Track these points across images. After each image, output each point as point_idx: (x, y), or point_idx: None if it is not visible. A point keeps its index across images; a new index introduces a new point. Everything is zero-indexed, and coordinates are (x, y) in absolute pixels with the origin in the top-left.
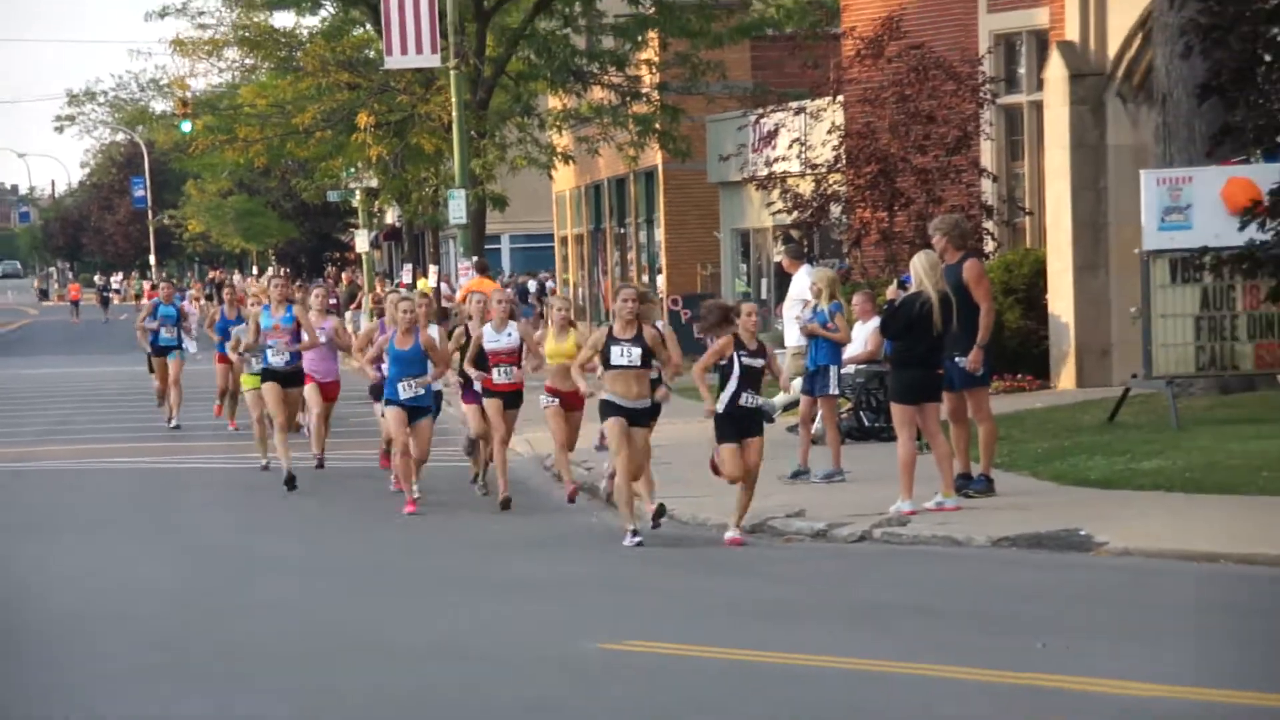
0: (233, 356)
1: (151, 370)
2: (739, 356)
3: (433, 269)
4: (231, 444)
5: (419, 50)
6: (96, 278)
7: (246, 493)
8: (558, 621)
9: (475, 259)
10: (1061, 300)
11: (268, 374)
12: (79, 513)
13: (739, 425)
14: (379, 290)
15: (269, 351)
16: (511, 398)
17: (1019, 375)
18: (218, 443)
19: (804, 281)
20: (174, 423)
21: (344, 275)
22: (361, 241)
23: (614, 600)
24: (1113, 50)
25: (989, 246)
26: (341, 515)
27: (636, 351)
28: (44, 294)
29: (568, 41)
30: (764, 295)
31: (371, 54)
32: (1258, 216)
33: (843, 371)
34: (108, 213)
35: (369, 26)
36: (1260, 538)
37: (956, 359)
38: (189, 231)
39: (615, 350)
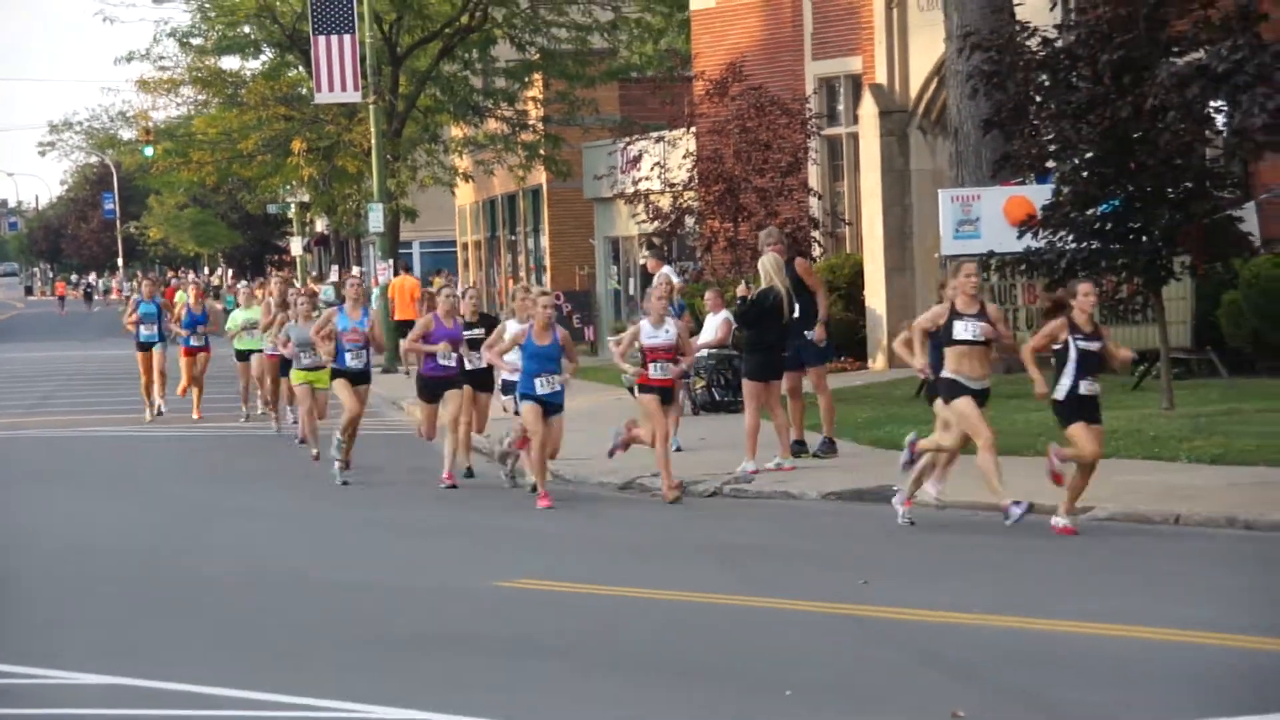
0: (284, 351)
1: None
2: (1074, 340)
3: (356, 269)
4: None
5: (344, 88)
6: (73, 277)
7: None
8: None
9: (390, 261)
10: (876, 296)
11: (339, 373)
12: (69, 470)
13: (1084, 409)
14: (310, 286)
15: (346, 355)
16: (668, 393)
17: (842, 358)
18: (183, 417)
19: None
20: (156, 409)
21: (279, 274)
22: (296, 246)
23: (514, 544)
24: (914, 91)
25: (816, 252)
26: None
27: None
28: (29, 290)
29: (467, 81)
30: (632, 291)
31: (304, 91)
32: (1032, 228)
33: (696, 356)
34: (82, 222)
35: (301, 68)
36: (1035, 491)
37: (806, 334)
38: (151, 238)
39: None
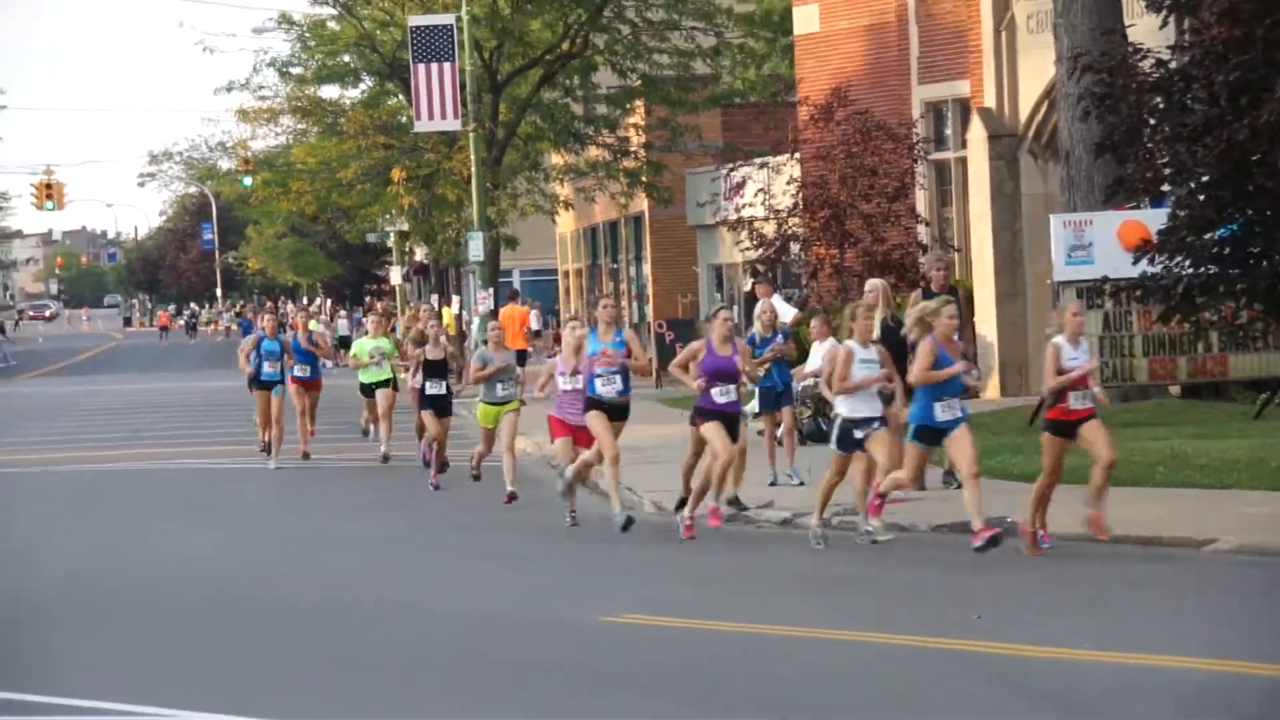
0: (470, 379)
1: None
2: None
3: (455, 299)
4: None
5: (444, 116)
6: (170, 308)
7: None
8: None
9: (490, 290)
10: (986, 323)
11: (594, 403)
12: (160, 500)
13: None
14: (412, 313)
15: (597, 381)
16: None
17: None
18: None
19: (777, 305)
20: (273, 465)
21: (379, 304)
22: (395, 276)
23: (618, 577)
24: (1024, 115)
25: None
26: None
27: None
28: (127, 321)
29: (568, 109)
30: (736, 320)
31: (404, 119)
32: (1148, 253)
33: (803, 384)
34: (181, 253)
35: (401, 96)
36: (1160, 523)
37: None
38: (249, 268)
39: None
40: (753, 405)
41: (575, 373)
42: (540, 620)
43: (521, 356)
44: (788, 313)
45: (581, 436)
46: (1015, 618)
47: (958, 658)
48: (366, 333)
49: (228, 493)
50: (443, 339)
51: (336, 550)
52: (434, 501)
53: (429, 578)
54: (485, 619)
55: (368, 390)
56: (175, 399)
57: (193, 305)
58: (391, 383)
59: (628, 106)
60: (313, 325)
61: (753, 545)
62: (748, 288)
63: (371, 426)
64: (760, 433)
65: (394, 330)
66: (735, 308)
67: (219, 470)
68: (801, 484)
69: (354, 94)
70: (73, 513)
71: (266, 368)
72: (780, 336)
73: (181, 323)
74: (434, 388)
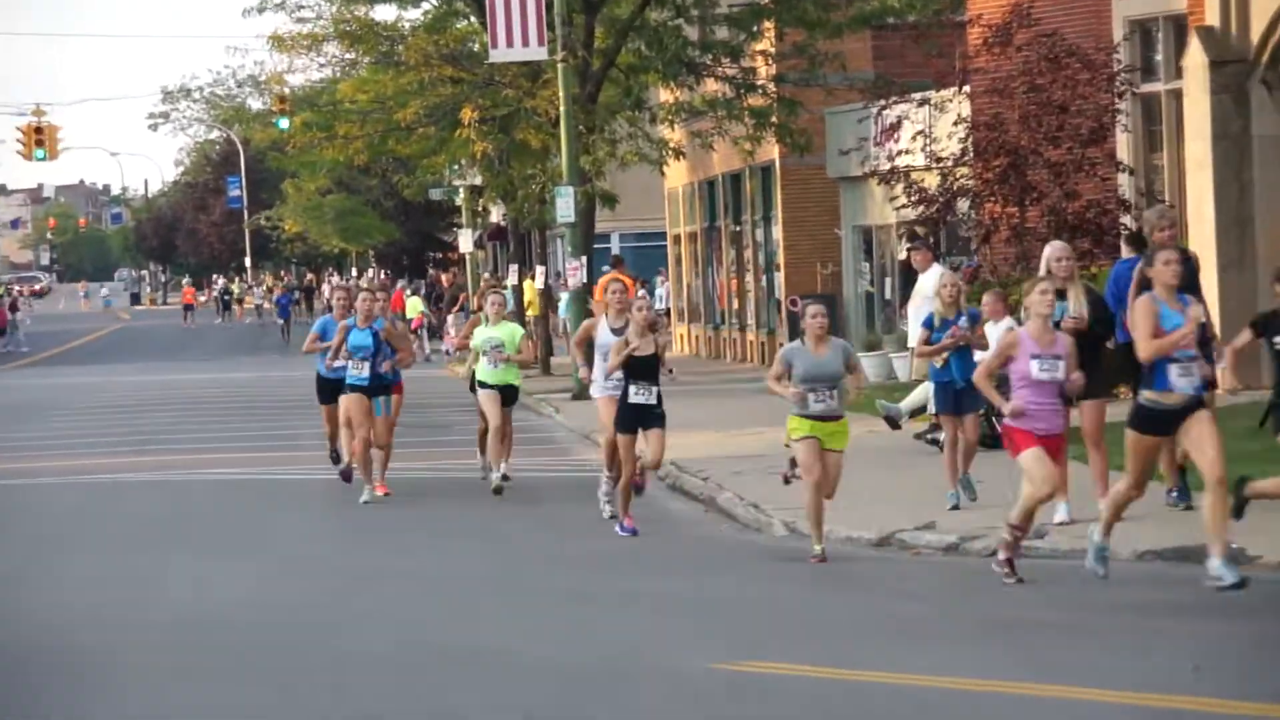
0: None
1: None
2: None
3: (539, 269)
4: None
5: (525, 43)
6: (186, 280)
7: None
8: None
9: (583, 260)
10: (1205, 299)
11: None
12: (187, 521)
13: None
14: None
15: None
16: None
17: None
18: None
19: (934, 280)
20: (366, 496)
21: (445, 276)
22: (465, 241)
23: (734, 617)
24: (1256, 35)
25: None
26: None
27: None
28: (135, 298)
29: (680, 32)
30: (888, 295)
31: (476, 47)
32: None
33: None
34: (202, 213)
35: (473, 19)
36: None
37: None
38: (286, 232)
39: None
40: (913, 401)
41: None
42: (642, 670)
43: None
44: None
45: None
46: (1234, 667)
47: None
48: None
49: (280, 512)
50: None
51: (404, 587)
52: (516, 530)
53: (511, 621)
54: (581, 670)
55: (485, 385)
56: (202, 392)
57: (220, 279)
58: (515, 391)
59: (755, 29)
60: (411, 304)
61: (913, 577)
62: (903, 255)
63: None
64: (930, 440)
65: (461, 309)
66: (888, 280)
67: (259, 482)
68: (955, 507)
69: (414, 15)
70: (71, 538)
71: (352, 369)
72: (965, 319)
73: (208, 299)
74: (640, 394)
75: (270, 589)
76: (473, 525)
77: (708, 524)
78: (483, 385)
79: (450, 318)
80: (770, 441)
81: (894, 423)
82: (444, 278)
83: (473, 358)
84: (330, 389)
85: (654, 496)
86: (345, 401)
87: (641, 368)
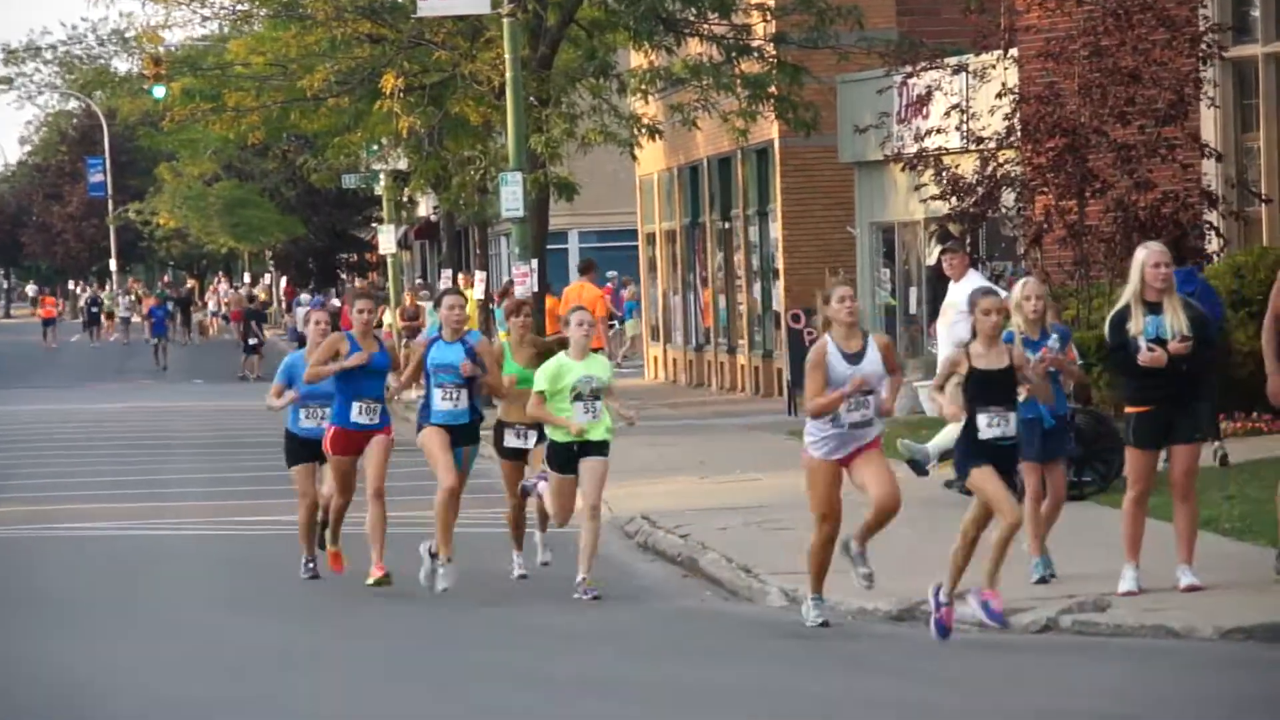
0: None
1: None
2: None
3: (479, 275)
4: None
5: None
6: (30, 288)
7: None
8: None
9: (533, 263)
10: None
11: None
12: (49, 588)
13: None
14: (407, 303)
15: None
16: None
17: (1254, 414)
18: None
19: (968, 291)
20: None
21: (357, 284)
22: (386, 240)
23: (730, 710)
24: None
25: (1212, 245)
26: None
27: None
28: None
29: None
30: (912, 309)
31: None
32: None
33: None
34: (55, 203)
35: None
36: None
37: None
38: (160, 228)
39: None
40: (943, 441)
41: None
42: None
43: None
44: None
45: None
46: None
47: None
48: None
49: (165, 578)
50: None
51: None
52: (451, 594)
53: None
54: None
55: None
56: (54, 427)
57: (87, 287)
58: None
59: None
60: (387, 319)
61: (942, 657)
62: (932, 259)
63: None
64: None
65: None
66: (914, 290)
67: (138, 538)
68: (1043, 579)
69: None
70: None
71: (440, 400)
72: (1054, 338)
73: (81, 311)
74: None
75: (166, 671)
76: (402, 586)
77: (687, 591)
78: (556, 449)
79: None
80: (768, 489)
81: (919, 467)
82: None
83: (533, 403)
84: (309, 449)
85: (619, 557)
86: (429, 441)
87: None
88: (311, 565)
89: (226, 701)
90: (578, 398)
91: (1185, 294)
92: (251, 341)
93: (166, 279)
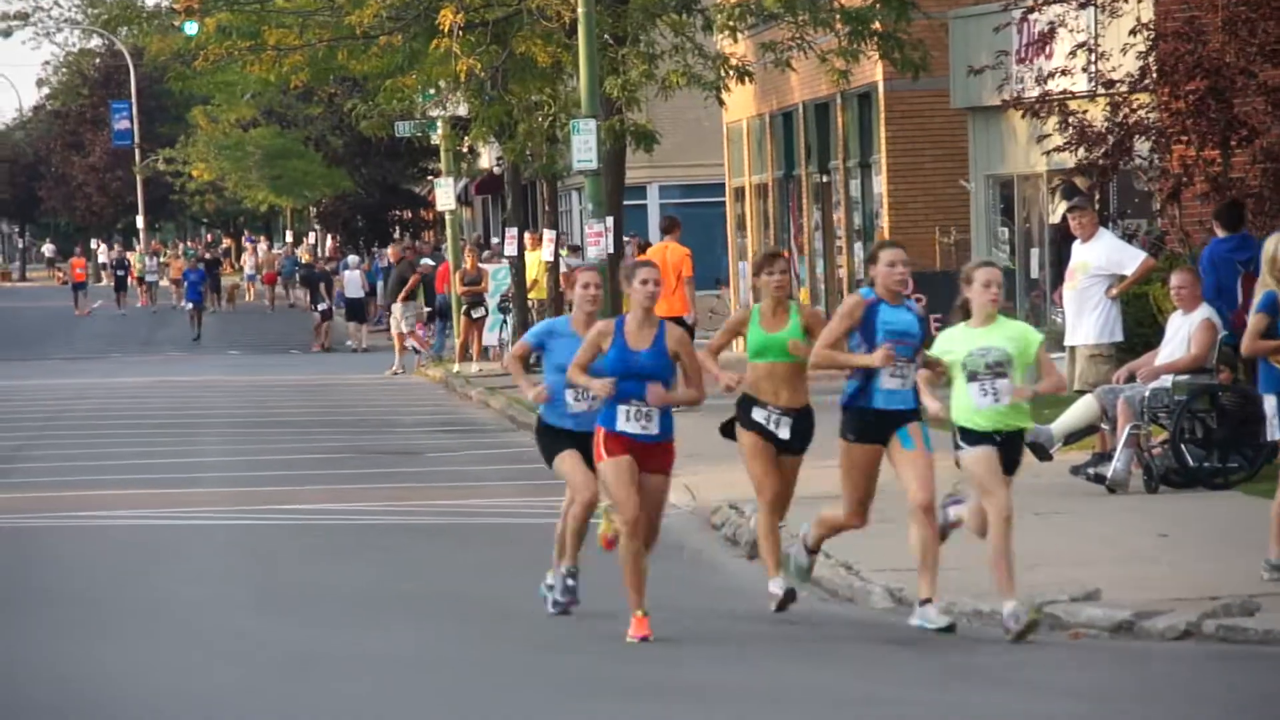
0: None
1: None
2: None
3: (548, 234)
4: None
5: None
6: (47, 247)
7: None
8: None
9: (609, 221)
10: None
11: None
12: (59, 586)
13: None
14: (468, 265)
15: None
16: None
17: None
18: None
19: (1103, 252)
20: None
21: (392, 250)
22: (444, 195)
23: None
24: None
25: None
26: None
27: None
28: None
29: None
30: (1034, 273)
31: None
32: None
33: (1153, 386)
34: (75, 153)
35: None
36: None
37: None
38: (194, 180)
39: None
40: (1069, 422)
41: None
42: None
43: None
44: (1132, 259)
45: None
46: None
47: None
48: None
49: (182, 573)
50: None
51: (381, 678)
52: (519, 599)
53: None
54: None
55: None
56: (68, 404)
57: (113, 246)
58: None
59: None
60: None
61: (1072, 666)
62: (1057, 217)
63: None
64: (1093, 476)
65: (411, 297)
66: (1035, 252)
67: (159, 529)
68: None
69: None
70: None
71: (889, 378)
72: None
73: (110, 272)
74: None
75: (186, 675)
76: (465, 591)
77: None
78: (968, 435)
79: (397, 306)
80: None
81: (1043, 451)
82: (391, 252)
83: (927, 379)
84: (575, 441)
85: (704, 552)
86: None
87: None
88: (572, 584)
89: (251, 710)
90: (972, 377)
91: (1242, 261)
92: (321, 307)
93: (198, 240)
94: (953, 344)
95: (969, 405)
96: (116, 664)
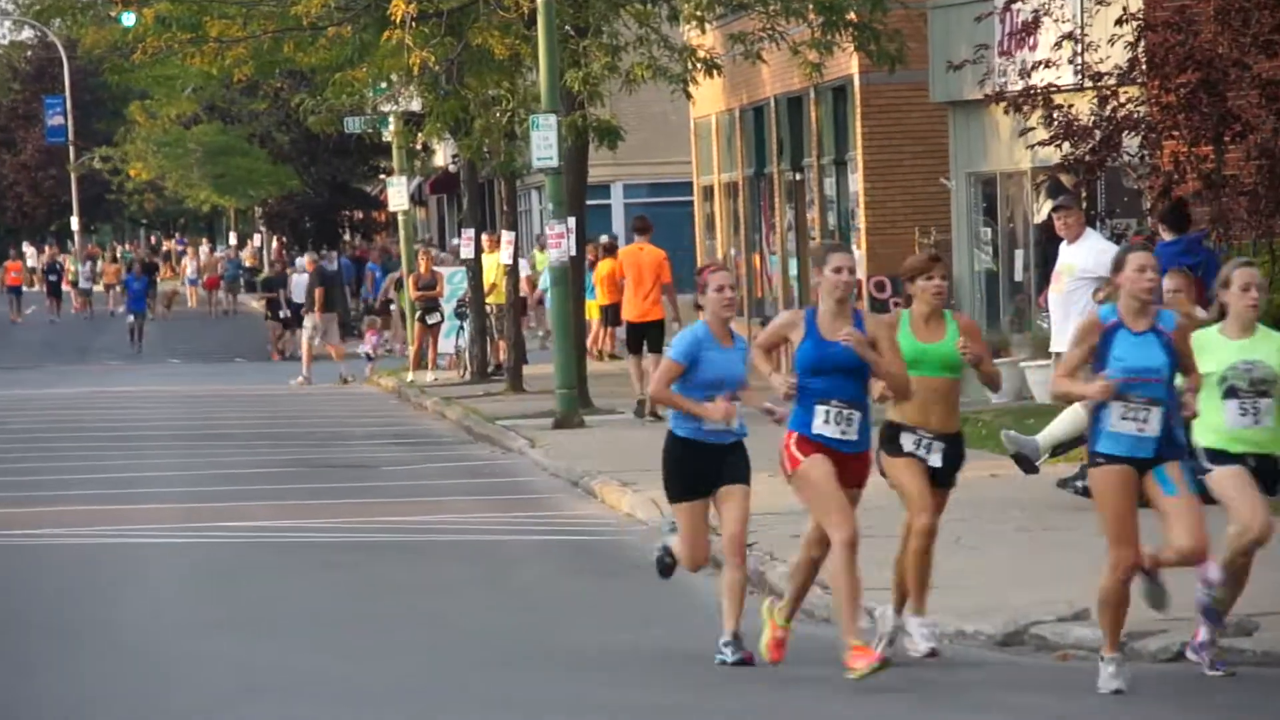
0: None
1: None
2: None
3: (506, 236)
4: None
5: None
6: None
7: None
8: None
9: (570, 222)
10: None
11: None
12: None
13: None
14: (421, 269)
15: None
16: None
17: None
18: None
19: (1090, 253)
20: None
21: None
22: (397, 194)
23: None
24: None
25: None
26: None
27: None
28: None
29: None
30: (1018, 275)
31: None
32: None
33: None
34: (6, 150)
35: None
36: None
37: None
38: (132, 180)
39: None
40: (1056, 433)
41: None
42: None
43: (655, 333)
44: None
45: None
46: None
47: None
48: None
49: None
50: None
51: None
52: (497, 618)
53: None
54: None
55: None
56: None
57: (44, 250)
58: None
59: None
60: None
61: (1059, 689)
62: (1041, 216)
63: None
64: (1080, 490)
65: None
66: (1019, 254)
67: (103, 547)
68: None
69: None
70: None
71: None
72: None
73: (41, 277)
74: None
75: (140, 702)
76: (426, 610)
77: (754, 610)
78: (1217, 457)
79: (309, 319)
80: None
81: (1028, 464)
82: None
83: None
84: (705, 457)
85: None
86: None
87: None
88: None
89: None
90: (1232, 393)
91: (1186, 266)
92: (283, 314)
93: (135, 242)
94: (1210, 352)
95: (1220, 423)
96: (63, 693)
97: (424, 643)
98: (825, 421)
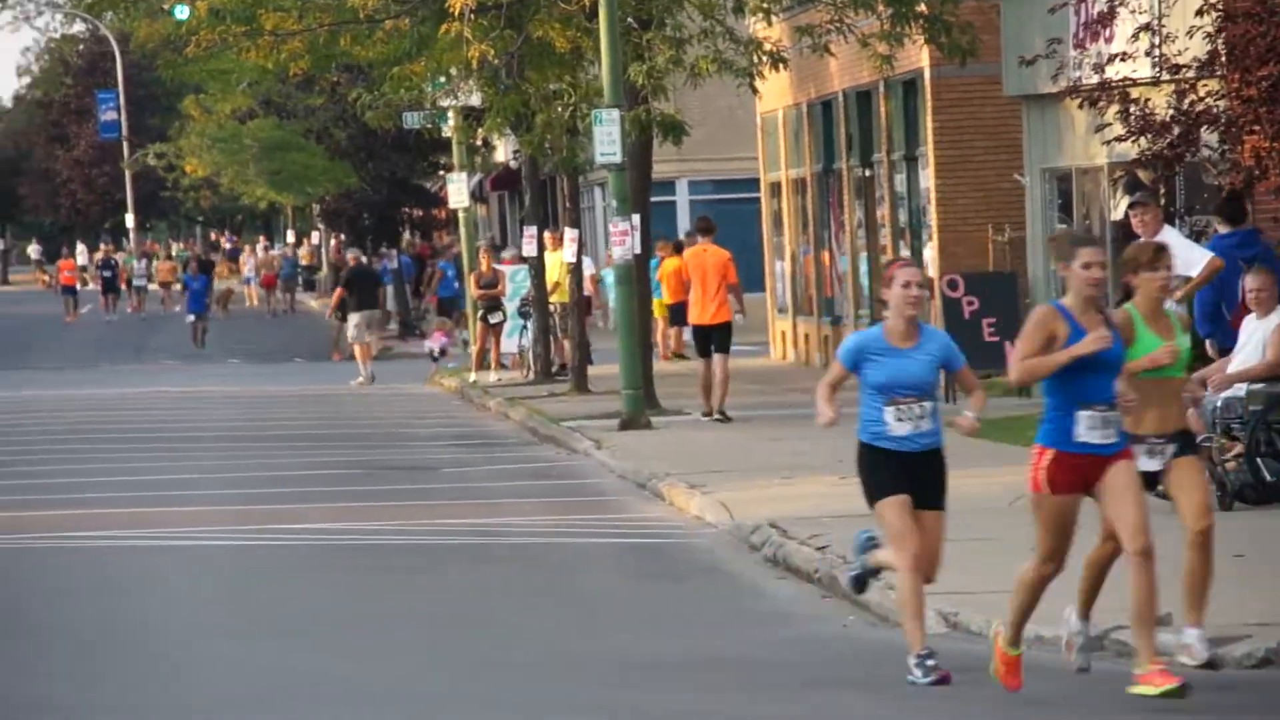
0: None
1: None
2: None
3: (569, 233)
4: None
5: None
6: (32, 249)
7: None
8: None
9: (634, 219)
10: None
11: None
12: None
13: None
14: (483, 267)
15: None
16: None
17: None
18: None
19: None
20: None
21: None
22: (457, 191)
23: None
24: None
25: None
26: None
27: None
28: None
29: None
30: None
31: None
32: None
33: (1225, 396)
34: (59, 146)
35: None
36: None
37: None
38: (187, 176)
39: None
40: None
41: None
42: None
43: (722, 335)
44: (1199, 259)
45: None
46: None
47: None
48: None
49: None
50: None
51: None
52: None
53: None
54: None
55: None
56: (49, 419)
57: (100, 247)
58: None
59: None
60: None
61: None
62: (1118, 213)
63: None
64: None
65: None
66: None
67: (146, 549)
68: None
69: None
70: None
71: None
72: None
73: (96, 273)
74: None
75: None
76: (479, 616)
77: (826, 615)
78: None
79: (353, 317)
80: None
81: None
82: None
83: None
84: (899, 463)
85: (744, 573)
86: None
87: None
88: (932, 665)
89: None
90: None
91: (1245, 259)
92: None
93: (191, 240)
94: None
95: None
96: (110, 701)
97: (472, 648)
98: (1089, 428)
